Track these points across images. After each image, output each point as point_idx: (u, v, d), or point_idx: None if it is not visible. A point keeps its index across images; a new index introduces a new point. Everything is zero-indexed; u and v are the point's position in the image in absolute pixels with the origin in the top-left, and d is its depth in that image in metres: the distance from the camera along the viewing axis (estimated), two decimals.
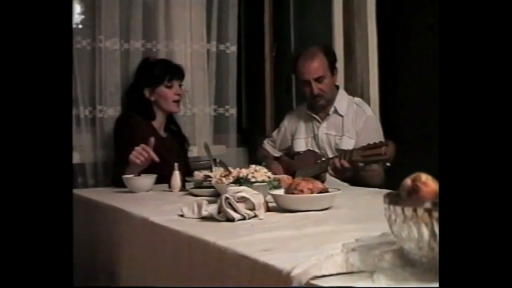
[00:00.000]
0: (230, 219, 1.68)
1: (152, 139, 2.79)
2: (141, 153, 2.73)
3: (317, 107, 3.06)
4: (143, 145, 2.75)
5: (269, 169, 2.81)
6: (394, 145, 2.46)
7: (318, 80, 2.96)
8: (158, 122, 3.24)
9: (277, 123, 3.59)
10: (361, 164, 2.67)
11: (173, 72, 3.26)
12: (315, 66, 2.96)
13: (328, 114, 3.05)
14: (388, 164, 2.72)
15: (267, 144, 3.36)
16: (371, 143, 2.56)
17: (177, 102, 3.24)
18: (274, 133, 3.38)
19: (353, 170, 2.68)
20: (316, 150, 3.04)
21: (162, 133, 3.27)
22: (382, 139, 2.79)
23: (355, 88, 3.29)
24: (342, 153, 2.72)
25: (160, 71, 3.23)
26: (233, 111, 3.86)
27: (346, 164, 2.62)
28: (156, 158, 2.71)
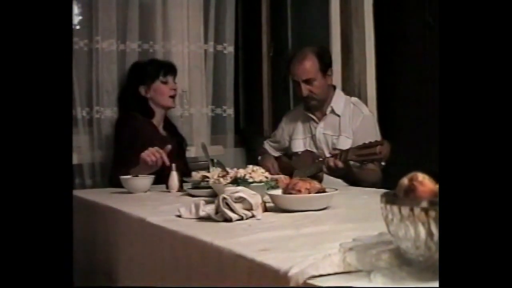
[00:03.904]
0: (228, 219, 1.68)
1: (169, 146, 2.81)
2: (153, 154, 2.75)
3: (309, 107, 3.07)
4: (157, 148, 2.78)
5: (264, 163, 2.84)
6: (390, 144, 2.47)
7: (308, 81, 2.97)
8: (157, 120, 3.25)
9: (274, 124, 3.60)
10: (356, 164, 2.68)
11: (167, 67, 3.29)
12: (305, 68, 2.97)
13: (325, 114, 3.06)
14: (383, 163, 2.73)
15: (267, 145, 3.36)
16: (366, 142, 2.56)
17: (173, 97, 3.26)
18: (273, 133, 3.38)
19: (347, 170, 2.69)
20: (314, 150, 3.05)
21: (162, 131, 3.28)
22: (379, 139, 2.80)
23: (352, 88, 3.29)
24: (337, 152, 2.72)
25: (154, 67, 3.27)
26: (230, 111, 3.87)
27: (340, 165, 2.62)
28: (168, 163, 2.72)
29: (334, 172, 2.67)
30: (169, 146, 2.82)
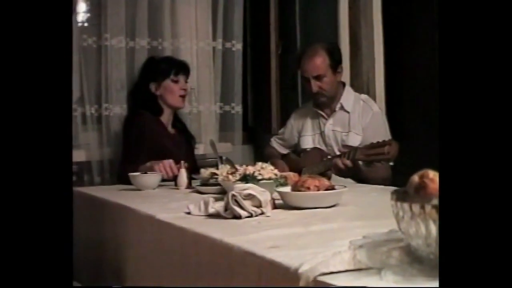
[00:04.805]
0: (237, 217, 1.68)
1: (186, 164, 2.72)
2: (166, 170, 2.75)
3: (318, 104, 3.07)
4: (171, 163, 2.78)
5: (275, 168, 2.82)
6: (398, 144, 2.46)
7: (317, 78, 2.97)
8: (166, 118, 3.25)
9: (282, 121, 3.59)
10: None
11: (179, 66, 3.28)
12: (315, 64, 2.97)
13: (335, 111, 3.05)
14: (391, 163, 2.72)
15: (274, 142, 3.36)
16: (375, 141, 2.56)
17: (182, 97, 3.26)
18: (281, 130, 3.38)
19: (356, 169, 2.68)
20: (323, 146, 3.04)
21: (171, 129, 3.28)
22: (389, 135, 2.80)
23: (361, 85, 3.29)
24: (346, 151, 2.72)
25: (166, 65, 3.27)
26: (238, 108, 3.87)
27: (348, 164, 2.62)
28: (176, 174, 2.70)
29: (343, 172, 2.66)
30: (185, 164, 2.75)
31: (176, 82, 3.23)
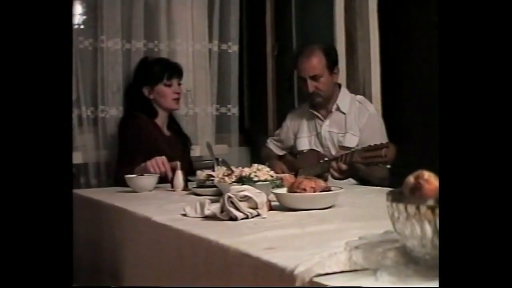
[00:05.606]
0: (233, 218, 1.68)
1: (178, 163, 2.73)
2: (159, 166, 2.74)
3: (314, 104, 3.07)
4: (163, 159, 2.77)
5: (273, 168, 2.82)
6: (395, 146, 2.46)
7: (314, 78, 2.97)
8: (161, 120, 3.25)
9: (279, 122, 3.60)
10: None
11: (172, 70, 3.26)
12: (312, 64, 2.97)
13: (331, 112, 3.06)
14: (388, 166, 2.72)
15: (270, 143, 3.37)
16: (371, 142, 2.56)
17: (176, 99, 3.25)
18: (277, 132, 3.38)
19: (352, 171, 2.68)
20: (319, 148, 3.04)
21: (166, 131, 3.28)
22: (385, 136, 2.80)
23: (357, 87, 3.29)
24: (342, 154, 2.72)
25: (159, 69, 3.24)
26: (235, 110, 3.87)
27: (344, 167, 2.62)
28: (170, 177, 2.71)
29: (340, 175, 2.65)
30: (177, 163, 2.76)
31: (169, 86, 3.22)
